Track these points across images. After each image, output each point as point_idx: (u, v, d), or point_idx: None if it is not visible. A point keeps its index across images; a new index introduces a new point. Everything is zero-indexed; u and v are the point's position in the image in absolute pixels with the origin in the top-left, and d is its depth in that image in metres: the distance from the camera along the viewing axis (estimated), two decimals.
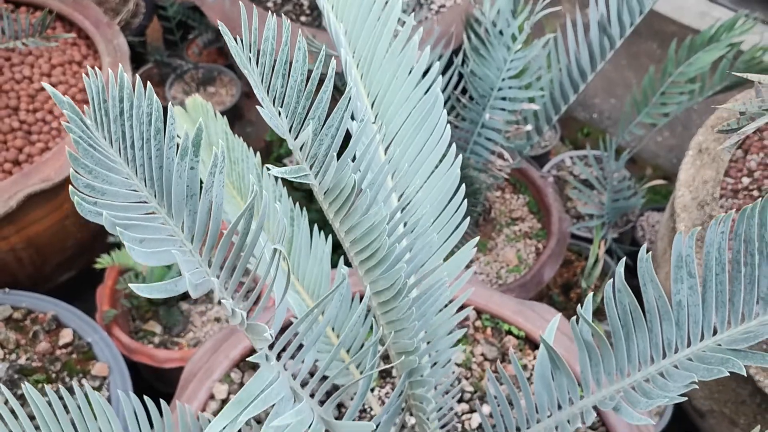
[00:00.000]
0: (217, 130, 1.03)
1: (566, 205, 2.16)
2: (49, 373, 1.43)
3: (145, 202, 0.54)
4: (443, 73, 1.44)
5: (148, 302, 1.78)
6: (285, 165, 2.32)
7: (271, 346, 0.66)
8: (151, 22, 2.54)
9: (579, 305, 0.75)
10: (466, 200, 0.93)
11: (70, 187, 0.46)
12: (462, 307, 0.94)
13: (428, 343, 0.85)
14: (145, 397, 0.77)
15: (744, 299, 0.66)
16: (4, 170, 1.52)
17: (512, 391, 0.90)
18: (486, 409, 1.19)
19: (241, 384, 1.25)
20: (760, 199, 0.62)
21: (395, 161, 0.94)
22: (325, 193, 0.68)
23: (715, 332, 0.69)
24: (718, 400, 1.52)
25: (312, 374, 1.21)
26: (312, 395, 0.74)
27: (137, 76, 0.52)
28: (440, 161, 0.95)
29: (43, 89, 1.64)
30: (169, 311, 1.78)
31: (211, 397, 1.22)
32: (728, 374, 0.63)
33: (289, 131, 0.65)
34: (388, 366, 0.75)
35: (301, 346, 0.71)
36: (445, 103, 1.42)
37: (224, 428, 0.59)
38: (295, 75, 0.61)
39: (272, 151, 2.34)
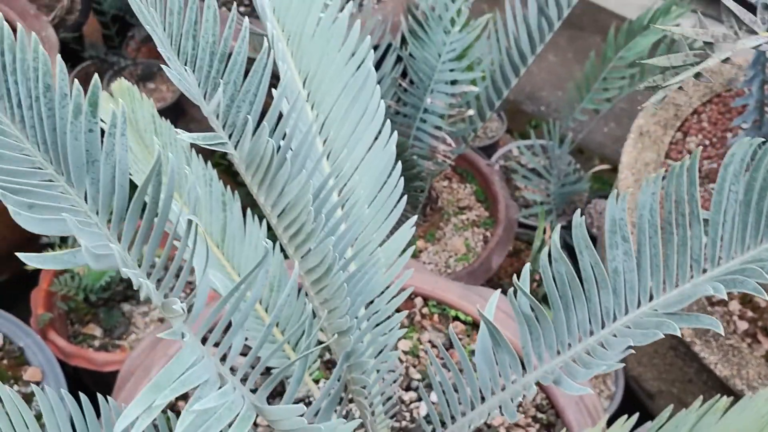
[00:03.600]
0: (144, 113, 0.98)
1: (514, 195, 2.16)
2: None
3: (41, 169, 0.50)
4: (383, 58, 1.42)
5: (86, 304, 1.71)
6: (230, 162, 2.27)
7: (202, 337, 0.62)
8: (88, 19, 2.45)
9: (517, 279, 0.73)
10: (402, 178, 0.91)
11: None
12: (403, 290, 0.92)
13: (368, 321, 0.83)
14: (62, 391, 0.72)
15: (678, 262, 0.65)
16: None
17: (457, 377, 0.88)
18: (434, 396, 1.17)
19: None
20: (688, 156, 0.61)
21: (329, 141, 0.91)
22: (246, 166, 0.65)
23: (651, 298, 0.68)
24: (666, 380, 1.53)
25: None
26: (244, 381, 0.70)
27: (19, 25, 0.48)
28: (375, 140, 0.92)
29: None
30: (110, 313, 1.71)
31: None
32: (663, 336, 0.61)
33: (204, 98, 0.61)
34: (323, 344, 0.71)
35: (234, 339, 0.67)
36: (386, 87, 1.39)
37: (139, 416, 0.55)
38: (207, 36, 0.58)
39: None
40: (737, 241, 0.62)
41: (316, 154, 0.81)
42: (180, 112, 2.37)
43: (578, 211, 0.66)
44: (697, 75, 0.65)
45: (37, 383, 1.37)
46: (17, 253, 0.42)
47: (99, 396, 0.74)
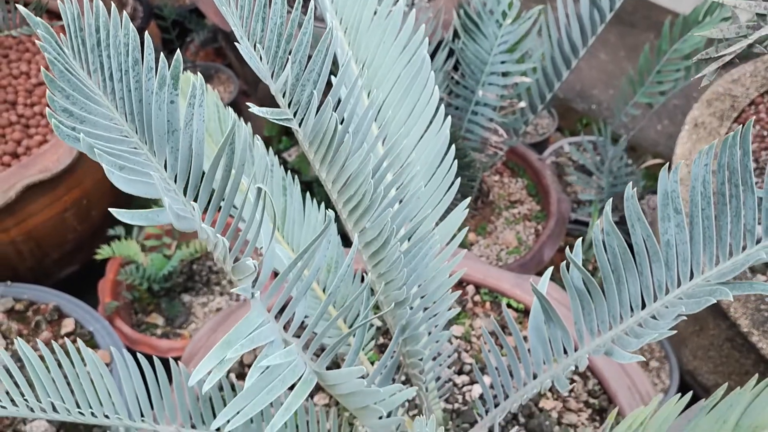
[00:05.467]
0: (208, 102, 1.03)
1: (566, 191, 2.16)
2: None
3: (128, 137, 0.54)
4: (435, 53, 1.45)
5: (149, 294, 1.78)
6: (284, 159, 2.33)
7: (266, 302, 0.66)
8: (149, 26, 2.56)
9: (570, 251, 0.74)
10: (456, 161, 0.94)
11: (47, 110, 0.46)
12: (455, 277, 0.95)
13: (422, 298, 0.86)
14: (139, 355, 0.77)
15: (731, 232, 0.66)
16: (3, 163, 1.53)
17: (511, 356, 0.90)
18: (487, 380, 1.18)
19: (241, 362, 1.25)
20: (741, 126, 0.62)
21: (386, 126, 0.95)
22: (309, 142, 0.69)
23: (704, 270, 0.69)
24: (722, 374, 1.51)
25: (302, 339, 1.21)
26: (305, 350, 0.74)
27: (112, 4, 0.52)
28: (430, 124, 0.95)
29: (40, 84, 1.66)
30: (171, 303, 1.79)
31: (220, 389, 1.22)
32: (714, 302, 0.62)
33: (271, 77, 0.65)
34: (378, 314, 0.75)
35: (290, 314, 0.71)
36: (438, 80, 1.42)
37: (212, 369, 0.59)
38: (275, 17, 0.62)
39: (271, 145, 2.36)
40: None
41: (372, 134, 0.84)
42: (236, 111, 2.45)
43: (630, 184, 0.68)
44: (750, 46, 0.66)
45: (107, 365, 1.44)
46: (111, 209, 0.47)
47: (171, 361, 0.79)
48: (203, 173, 0.60)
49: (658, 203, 0.68)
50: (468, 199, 0.93)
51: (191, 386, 0.88)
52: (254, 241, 0.64)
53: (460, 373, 1.21)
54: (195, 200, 0.59)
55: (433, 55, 1.43)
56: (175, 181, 0.59)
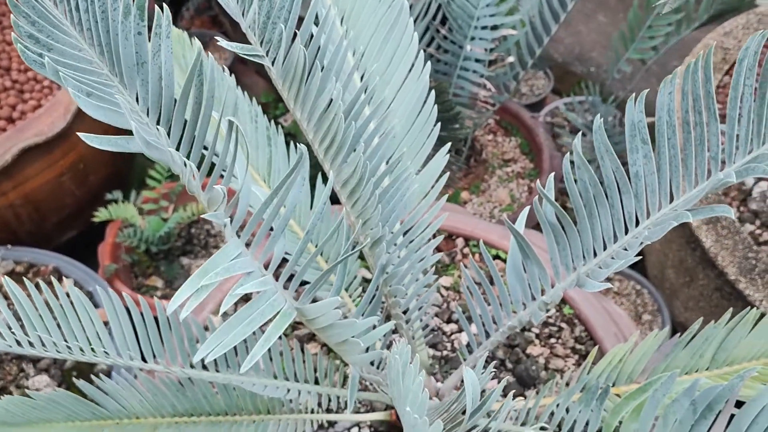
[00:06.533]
0: (193, 56, 1.04)
1: (560, 150, 2.16)
2: None
3: (98, 70, 0.56)
4: (421, 9, 1.45)
5: (148, 257, 1.81)
6: (281, 124, 2.35)
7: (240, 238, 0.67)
8: None
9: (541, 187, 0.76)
10: (436, 107, 0.95)
11: (13, 35, 0.48)
12: (438, 221, 0.96)
13: (404, 236, 0.87)
14: (124, 294, 0.79)
15: (696, 160, 0.67)
16: None
17: (489, 292, 0.92)
18: (473, 327, 1.21)
19: None
20: (703, 52, 0.63)
21: (367, 72, 0.96)
22: (282, 80, 0.70)
23: (672, 199, 0.70)
24: None
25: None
26: (285, 288, 0.76)
27: None
28: (410, 70, 0.96)
29: None
30: (170, 266, 1.81)
31: (205, 328, 1.25)
32: (675, 225, 0.64)
33: (242, 16, 0.66)
34: (356, 249, 0.76)
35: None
36: (426, 35, 1.43)
37: (190, 296, 0.61)
38: None
39: (268, 112, 2.37)
40: (754, 135, 0.64)
41: (347, 69, 0.85)
42: None
43: (598, 115, 0.69)
44: None
45: (105, 323, 1.47)
46: (80, 133, 0.48)
47: (156, 302, 0.81)
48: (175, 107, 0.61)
49: (626, 135, 0.69)
50: (449, 144, 0.94)
51: (178, 330, 0.90)
52: (230, 174, 0.65)
53: (448, 321, 1.23)
54: (168, 134, 0.61)
55: (420, 12, 1.43)
56: (148, 114, 0.60)
